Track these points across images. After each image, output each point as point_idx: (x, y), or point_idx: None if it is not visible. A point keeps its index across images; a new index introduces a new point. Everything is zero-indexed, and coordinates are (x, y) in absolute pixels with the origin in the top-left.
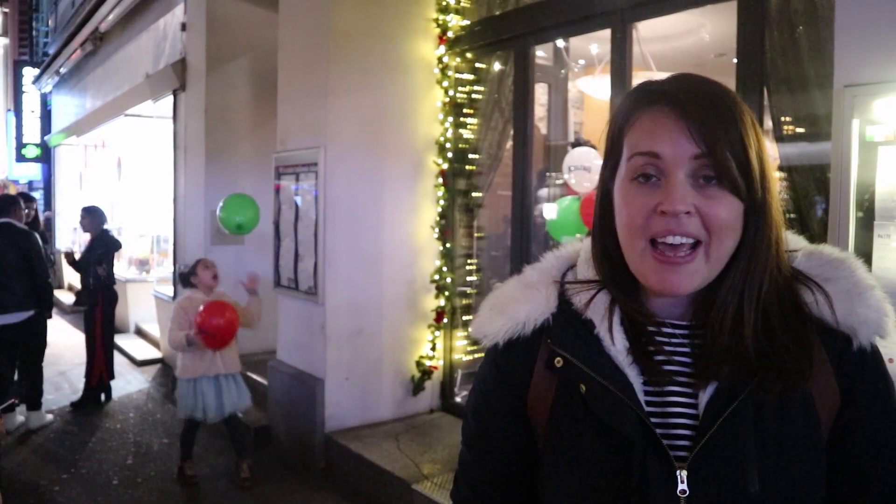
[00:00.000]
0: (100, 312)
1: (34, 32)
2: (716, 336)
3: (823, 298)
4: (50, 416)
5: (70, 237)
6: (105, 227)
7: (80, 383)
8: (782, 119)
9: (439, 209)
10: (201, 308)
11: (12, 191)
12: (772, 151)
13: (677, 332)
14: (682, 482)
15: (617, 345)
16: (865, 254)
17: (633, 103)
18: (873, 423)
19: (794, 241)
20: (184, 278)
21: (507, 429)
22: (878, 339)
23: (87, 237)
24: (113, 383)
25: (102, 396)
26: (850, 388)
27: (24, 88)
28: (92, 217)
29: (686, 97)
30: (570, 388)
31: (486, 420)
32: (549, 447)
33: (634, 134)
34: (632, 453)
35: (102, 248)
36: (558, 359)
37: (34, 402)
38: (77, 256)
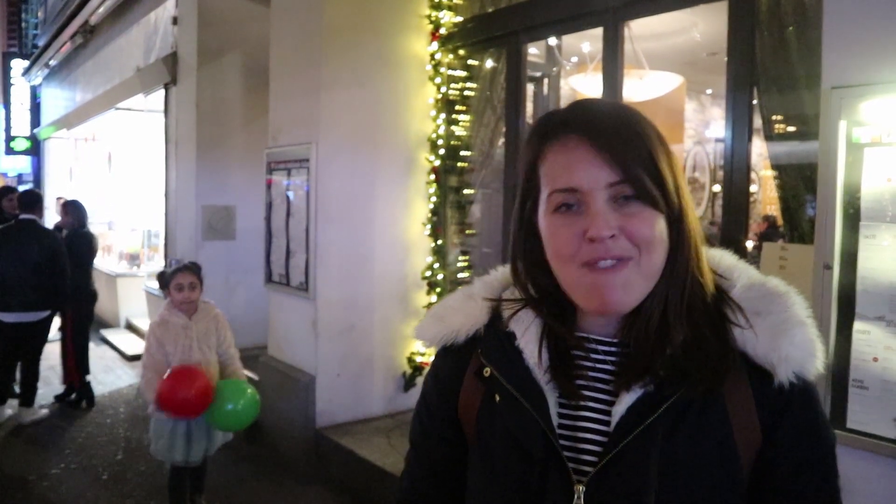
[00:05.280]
0: (72, 312)
1: (23, 24)
2: (641, 344)
3: (748, 331)
4: (45, 411)
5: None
6: (82, 225)
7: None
8: (772, 118)
9: (431, 206)
10: (166, 376)
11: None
12: (761, 150)
13: (601, 347)
14: (579, 498)
15: (534, 359)
16: (852, 254)
17: (542, 136)
18: (795, 465)
19: (719, 257)
20: (162, 280)
21: (441, 431)
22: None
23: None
24: (103, 378)
25: (82, 400)
26: (773, 425)
27: (12, 80)
28: (75, 213)
29: (592, 124)
30: (492, 398)
31: (425, 422)
32: (473, 452)
33: (549, 168)
34: (534, 466)
35: (73, 249)
36: (486, 369)
37: (28, 399)
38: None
